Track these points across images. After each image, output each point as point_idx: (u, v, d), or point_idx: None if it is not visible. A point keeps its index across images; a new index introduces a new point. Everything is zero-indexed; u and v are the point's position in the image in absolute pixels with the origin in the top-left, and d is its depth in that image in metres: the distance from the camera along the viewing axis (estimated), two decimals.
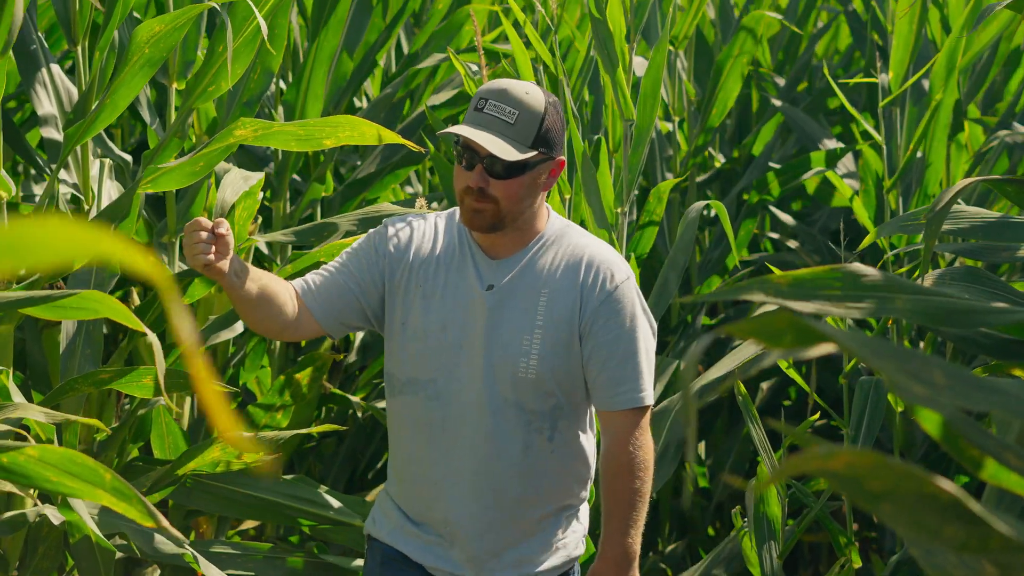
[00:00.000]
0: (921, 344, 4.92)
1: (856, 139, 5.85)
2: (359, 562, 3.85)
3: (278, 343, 4.66)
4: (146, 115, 4.39)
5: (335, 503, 3.85)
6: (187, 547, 3.46)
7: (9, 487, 3.27)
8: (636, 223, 4.49)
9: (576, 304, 2.92)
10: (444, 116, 5.08)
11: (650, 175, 5.62)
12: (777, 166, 5.76)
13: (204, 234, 2.78)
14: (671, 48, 5.55)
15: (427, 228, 3.04)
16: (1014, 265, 5.24)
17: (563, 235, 2.99)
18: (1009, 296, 2.77)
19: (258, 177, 4.17)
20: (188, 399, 4.36)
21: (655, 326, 3.00)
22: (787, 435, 3.49)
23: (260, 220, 4.62)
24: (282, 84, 5.01)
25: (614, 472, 2.93)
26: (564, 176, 3.86)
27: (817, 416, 4.07)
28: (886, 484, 1.46)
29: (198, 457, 3.64)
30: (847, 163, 6.01)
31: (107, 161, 4.10)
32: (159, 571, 4.19)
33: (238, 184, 4.12)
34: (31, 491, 3.59)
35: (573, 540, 3.06)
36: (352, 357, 5.21)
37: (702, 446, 5.61)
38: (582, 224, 3.93)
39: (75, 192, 3.99)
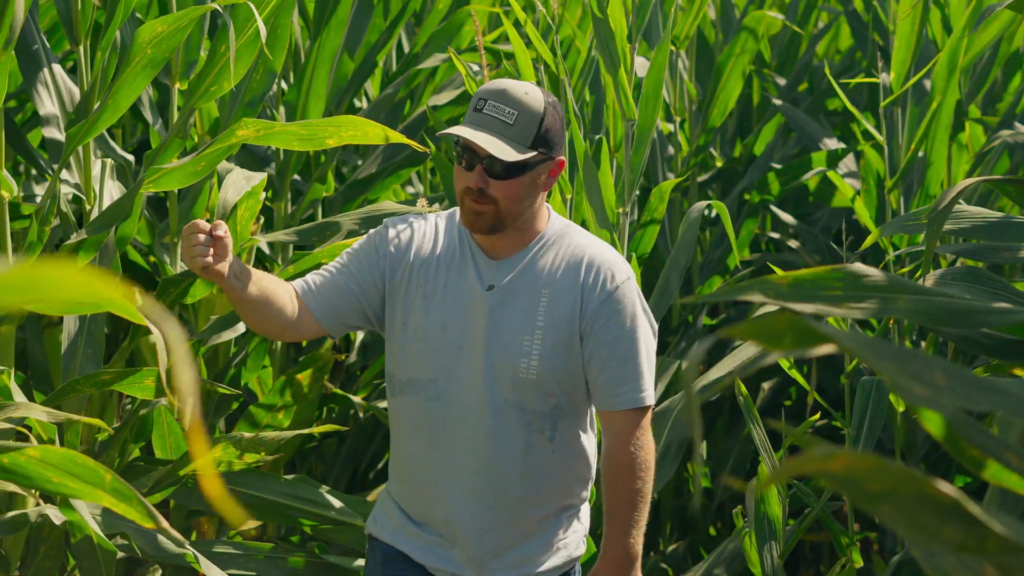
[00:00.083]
0: (923, 344, 4.92)
1: (857, 139, 5.85)
2: (360, 562, 3.86)
3: (279, 343, 4.67)
4: (148, 115, 4.40)
5: (336, 503, 3.85)
6: (188, 547, 3.46)
7: (11, 487, 3.27)
8: (637, 223, 4.49)
9: (577, 304, 2.92)
10: (445, 116, 5.09)
11: (651, 175, 5.62)
12: (778, 166, 5.76)
13: (202, 236, 2.78)
14: (672, 48, 5.54)
15: (427, 228, 3.04)
16: (1015, 265, 5.24)
17: (563, 235, 2.98)
18: (1011, 296, 2.77)
19: (260, 177, 4.16)
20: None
21: (656, 326, 3.00)
22: (788, 435, 3.49)
23: (262, 220, 4.62)
24: (284, 84, 5.01)
25: (615, 472, 2.94)
26: (565, 176, 3.86)
27: (818, 416, 4.07)
28: (885, 486, 1.46)
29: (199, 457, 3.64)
30: (848, 163, 6.01)
31: (109, 161, 4.10)
32: (160, 571, 4.19)
33: (240, 184, 4.12)
34: (33, 491, 3.59)
35: (574, 540, 3.06)
36: (353, 357, 5.21)
37: (703, 446, 5.60)
38: (583, 224, 3.93)
39: (77, 192, 3.99)
